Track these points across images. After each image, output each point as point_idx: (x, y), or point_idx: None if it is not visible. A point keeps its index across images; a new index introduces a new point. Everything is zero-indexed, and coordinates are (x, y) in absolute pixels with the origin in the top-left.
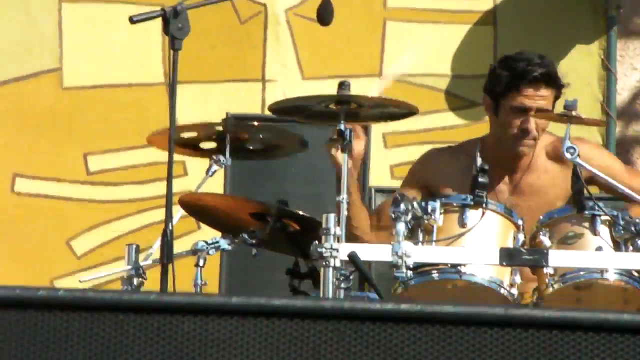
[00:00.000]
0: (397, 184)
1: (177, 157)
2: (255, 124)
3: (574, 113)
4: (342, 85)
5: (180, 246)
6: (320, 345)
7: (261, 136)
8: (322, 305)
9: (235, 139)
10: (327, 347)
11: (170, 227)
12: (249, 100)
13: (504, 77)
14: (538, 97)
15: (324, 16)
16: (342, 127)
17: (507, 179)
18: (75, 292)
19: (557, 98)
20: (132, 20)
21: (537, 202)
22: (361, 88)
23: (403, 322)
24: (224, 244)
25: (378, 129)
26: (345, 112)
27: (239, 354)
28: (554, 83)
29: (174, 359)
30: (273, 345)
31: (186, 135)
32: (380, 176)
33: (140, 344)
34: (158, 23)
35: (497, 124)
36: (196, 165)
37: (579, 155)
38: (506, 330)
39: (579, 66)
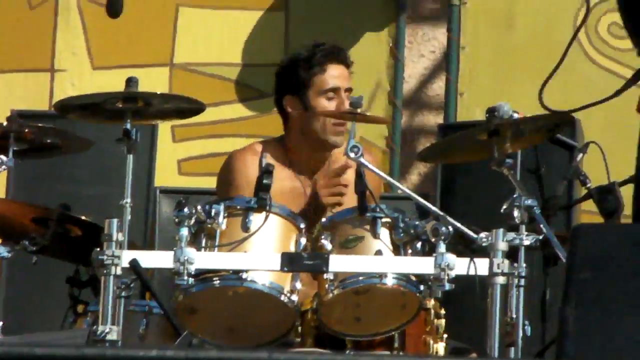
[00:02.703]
0: (183, 180)
1: None
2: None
3: (358, 110)
4: (130, 82)
5: None
6: None
7: (48, 140)
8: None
9: (19, 137)
10: None
11: None
12: (36, 92)
13: (302, 67)
14: (343, 77)
15: (113, 9)
16: (128, 125)
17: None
18: None
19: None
20: None
21: None
22: (151, 78)
23: None
24: (4, 252)
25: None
26: (132, 110)
27: None
28: (349, 63)
29: None
30: None
31: None
32: (166, 172)
33: None
34: None
35: (306, 119)
36: None
37: (362, 154)
38: None
39: (367, 54)
